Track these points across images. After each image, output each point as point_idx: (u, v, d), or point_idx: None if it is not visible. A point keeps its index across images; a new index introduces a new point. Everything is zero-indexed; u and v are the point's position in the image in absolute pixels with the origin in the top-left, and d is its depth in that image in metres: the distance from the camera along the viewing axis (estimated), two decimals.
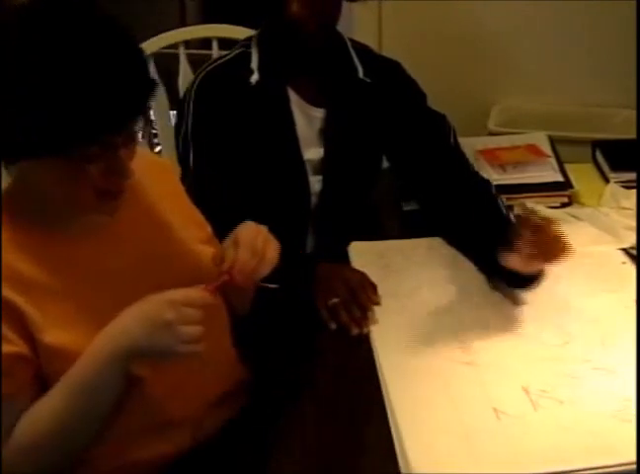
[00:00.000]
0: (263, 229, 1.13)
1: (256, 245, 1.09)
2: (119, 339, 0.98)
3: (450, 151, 1.60)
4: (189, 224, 1.21)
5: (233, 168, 1.50)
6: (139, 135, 0.99)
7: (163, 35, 2.00)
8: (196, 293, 1.00)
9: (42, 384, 1.00)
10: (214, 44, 2.02)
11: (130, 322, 0.98)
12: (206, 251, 1.19)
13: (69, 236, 1.05)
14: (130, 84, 0.93)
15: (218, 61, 1.54)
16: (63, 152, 0.91)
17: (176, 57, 2.01)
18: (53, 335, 0.99)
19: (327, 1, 1.40)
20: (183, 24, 3.03)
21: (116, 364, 0.98)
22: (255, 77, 1.49)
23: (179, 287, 1.08)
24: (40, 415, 0.98)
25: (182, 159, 1.53)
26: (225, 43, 2.04)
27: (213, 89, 1.50)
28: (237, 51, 1.55)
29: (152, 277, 1.09)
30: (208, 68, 1.53)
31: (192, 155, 1.50)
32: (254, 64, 1.50)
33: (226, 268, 1.07)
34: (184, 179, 1.53)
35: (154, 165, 1.22)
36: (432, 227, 1.56)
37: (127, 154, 0.99)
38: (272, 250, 1.11)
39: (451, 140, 1.60)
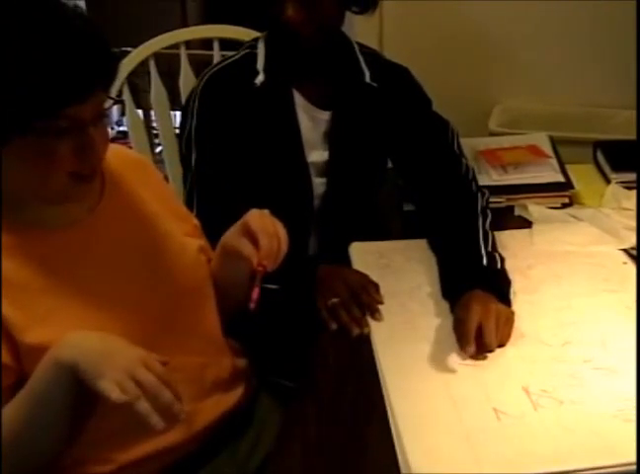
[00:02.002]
0: (264, 211, 1.15)
1: (269, 227, 1.11)
2: (67, 350, 0.94)
3: (450, 159, 1.61)
4: (172, 216, 1.21)
5: (236, 169, 1.50)
6: (111, 119, 0.99)
7: (164, 35, 1.99)
8: (159, 367, 0.93)
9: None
10: (215, 45, 2.02)
11: (89, 342, 0.95)
12: (191, 243, 1.20)
13: (46, 230, 1.04)
14: (84, 50, 0.91)
15: (224, 62, 1.54)
16: (27, 128, 0.90)
17: (177, 58, 2.01)
18: (34, 334, 0.97)
19: (323, 5, 1.39)
20: (184, 24, 3.03)
21: (61, 375, 0.92)
22: (260, 78, 1.49)
23: (163, 279, 1.11)
24: (1, 423, 0.95)
25: (184, 159, 1.54)
26: (226, 44, 2.03)
27: (218, 90, 1.50)
28: (243, 53, 1.55)
29: (135, 270, 1.10)
30: (214, 69, 1.53)
31: (194, 155, 1.50)
32: (259, 65, 1.50)
33: (257, 262, 1.09)
34: (185, 179, 1.53)
35: (133, 160, 1.22)
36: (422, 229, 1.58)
37: (97, 132, 0.97)
38: (281, 227, 1.14)
39: (454, 148, 1.61)
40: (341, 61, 1.53)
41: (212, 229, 1.26)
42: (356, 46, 1.56)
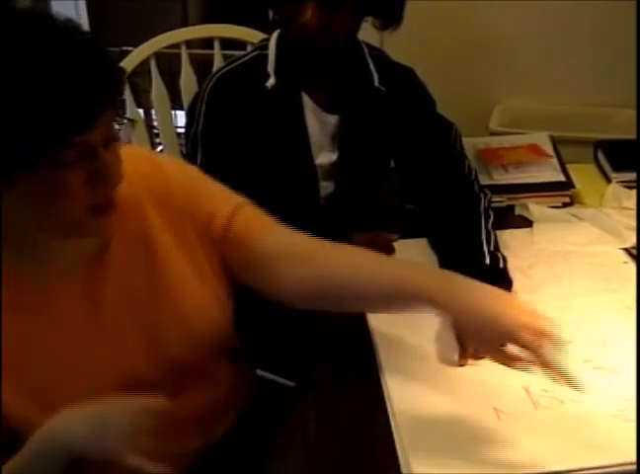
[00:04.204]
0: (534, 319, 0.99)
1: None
2: (59, 440, 0.91)
3: (452, 160, 1.61)
4: (189, 245, 1.11)
5: (242, 170, 1.50)
6: (121, 135, 0.93)
7: (165, 34, 2.00)
8: (156, 402, 0.93)
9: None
10: (216, 44, 2.02)
11: (78, 425, 0.91)
12: (206, 292, 1.11)
13: (46, 282, 0.98)
14: (89, 72, 0.85)
15: (234, 63, 1.54)
16: (33, 163, 0.84)
17: (178, 57, 2.01)
18: (19, 405, 0.94)
19: (340, 15, 1.38)
20: (185, 24, 3.03)
21: (53, 463, 0.91)
22: (271, 81, 1.48)
23: (167, 340, 1.05)
24: None
25: (188, 158, 1.54)
26: (227, 43, 2.04)
27: (227, 91, 1.50)
28: (253, 54, 1.54)
29: (137, 327, 1.04)
30: (223, 70, 1.53)
31: (200, 155, 1.50)
32: (270, 67, 1.50)
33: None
34: None
35: (146, 173, 1.10)
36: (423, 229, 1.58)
37: (110, 156, 0.91)
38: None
39: (457, 148, 1.62)
40: (350, 65, 1.53)
41: None
42: (365, 49, 1.56)
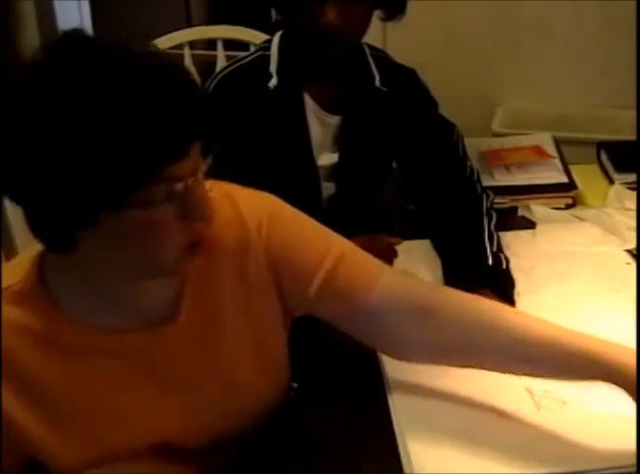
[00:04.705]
0: None
1: None
2: None
3: (454, 161, 1.61)
4: (256, 314, 1.03)
5: (244, 170, 1.50)
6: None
7: (168, 35, 2.00)
8: None
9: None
10: (219, 45, 2.03)
11: None
12: (254, 378, 1.04)
13: (112, 327, 0.93)
14: (180, 102, 0.81)
15: (236, 64, 1.54)
16: (123, 201, 0.79)
17: (181, 58, 2.02)
18: (56, 444, 0.92)
19: (361, 14, 1.39)
20: (188, 24, 3.04)
21: None
22: (274, 81, 1.48)
23: (209, 413, 0.99)
24: None
25: None
26: (230, 44, 2.04)
27: (229, 91, 1.50)
28: (256, 55, 1.54)
29: (184, 392, 0.99)
30: (226, 71, 1.53)
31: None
32: (272, 68, 1.50)
33: None
34: None
35: (223, 204, 1.00)
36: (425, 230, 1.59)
37: (200, 189, 0.86)
38: None
39: (459, 150, 1.62)
40: (352, 65, 1.53)
41: None
42: (367, 50, 1.56)
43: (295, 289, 1.04)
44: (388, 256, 1.43)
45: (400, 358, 1.10)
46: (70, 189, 0.78)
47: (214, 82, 1.51)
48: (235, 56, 1.59)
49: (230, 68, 1.53)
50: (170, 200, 0.82)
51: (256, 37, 1.96)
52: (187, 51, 2.01)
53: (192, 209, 0.85)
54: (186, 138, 0.82)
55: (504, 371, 1.05)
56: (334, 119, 1.54)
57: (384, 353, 1.12)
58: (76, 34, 0.82)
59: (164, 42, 1.99)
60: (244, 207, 1.03)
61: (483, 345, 1.02)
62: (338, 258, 1.04)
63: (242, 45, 2.01)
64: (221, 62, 1.99)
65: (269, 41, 1.55)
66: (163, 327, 0.96)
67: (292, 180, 1.53)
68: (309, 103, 1.52)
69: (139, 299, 0.95)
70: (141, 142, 0.77)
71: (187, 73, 0.85)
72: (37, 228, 0.85)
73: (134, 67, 0.80)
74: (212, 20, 3.05)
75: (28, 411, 0.90)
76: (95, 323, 0.93)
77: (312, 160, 1.54)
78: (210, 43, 2.09)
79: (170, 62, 0.84)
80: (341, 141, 1.55)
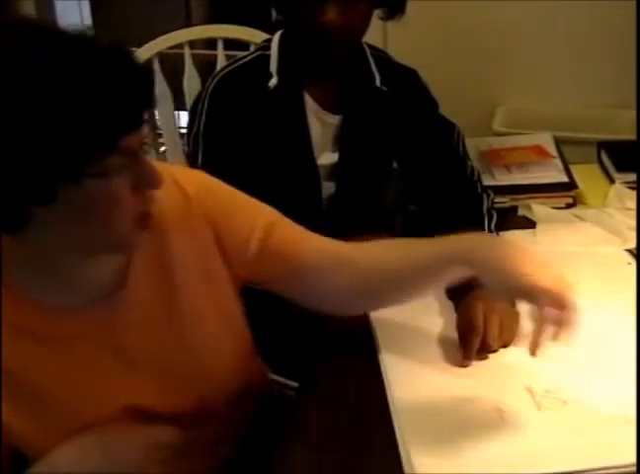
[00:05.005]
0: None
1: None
2: (66, 470, 0.90)
3: (455, 161, 1.61)
4: (209, 282, 1.07)
5: (243, 170, 1.50)
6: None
7: (168, 35, 2.00)
8: (168, 433, 0.93)
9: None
10: (219, 45, 2.03)
11: (89, 457, 0.91)
12: (219, 342, 1.08)
13: (67, 307, 0.95)
14: (132, 76, 0.85)
15: (236, 63, 1.54)
16: (85, 170, 0.82)
17: (181, 57, 2.02)
18: (28, 427, 0.93)
19: (361, 14, 1.39)
20: (188, 24, 3.03)
21: None
22: (274, 81, 1.48)
23: (179, 379, 1.02)
24: None
25: (190, 157, 1.54)
26: (230, 44, 2.04)
27: (229, 90, 1.50)
28: (255, 54, 1.54)
29: (152, 360, 1.01)
30: (226, 70, 1.53)
31: (201, 154, 1.50)
32: (273, 68, 1.50)
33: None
34: None
35: (179, 194, 1.05)
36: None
37: (148, 163, 0.89)
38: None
39: (460, 150, 1.62)
40: (353, 65, 1.53)
41: None
42: (367, 50, 1.56)
43: (236, 252, 1.09)
44: None
45: (335, 311, 1.17)
46: (29, 162, 0.78)
47: (214, 82, 1.51)
48: (235, 56, 1.59)
49: (230, 68, 1.53)
50: (126, 170, 0.85)
51: (256, 36, 1.96)
52: (187, 51, 2.01)
53: (146, 178, 0.88)
54: (139, 109, 0.85)
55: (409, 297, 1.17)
56: (334, 119, 1.54)
57: (321, 309, 1.16)
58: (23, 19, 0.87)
59: (164, 42, 1.99)
60: (181, 181, 1.06)
61: (392, 279, 1.13)
62: (270, 222, 1.12)
63: (242, 45, 2.01)
64: (221, 62, 1.99)
65: (268, 41, 1.55)
66: (114, 296, 0.98)
67: (292, 179, 1.54)
68: (309, 102, 1.52)
69: (90, 275, 0.96)
70: (98, 114, 0.79)
71: (130, 51, 0.88)
72: None
73: (84, 44, 0.83)
74: (212, 19, 3.05)
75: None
76: (47, 303, 0.94)
77: (312, 160, 1.54)
78: (210, 43, 2.09)
79: (114, 41, 0.87)
80: (341, 141, 1.55)
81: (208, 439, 1.07)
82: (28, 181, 0.80)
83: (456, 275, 1.09)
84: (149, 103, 0.88)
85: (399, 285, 1.15)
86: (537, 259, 1.04)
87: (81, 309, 0.96)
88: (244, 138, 1.49)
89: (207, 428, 1.08)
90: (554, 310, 1.00)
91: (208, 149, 1.49)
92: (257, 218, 1.11)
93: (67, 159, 0.80)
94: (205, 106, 1.50)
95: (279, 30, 1.54)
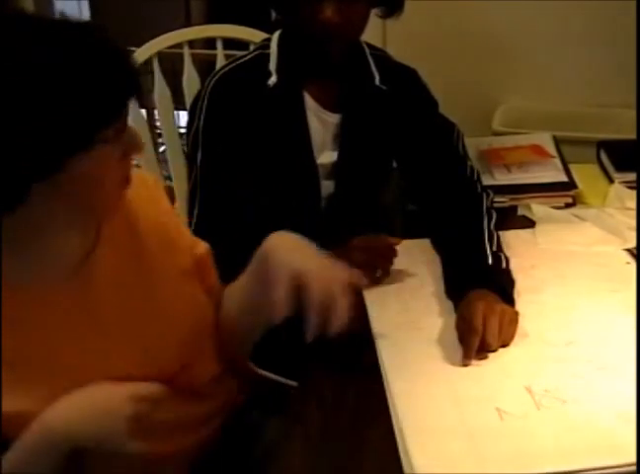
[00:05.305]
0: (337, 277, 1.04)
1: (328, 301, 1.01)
2: (58, 430, 0.91)
3: (454, 161, 1.61)
4: (171, 253, 1.12)
5: (243, 168, 1.50)
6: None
7: (168, 34, 1.99)
8: (154, 388, 0.95)
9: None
10: (219, 44, 2.02)
11: (76, 413, 0.92)
12: (188, 290, 1.14)
13: (36, 283, 0.97)
14: (125, 60, 0.92)
15: (235, 62, 1.54)
16: (88, 141, 0.87)
17: (180, 57, 2.01)
18: (9, 403, 0.93)
19: (359, 12, 1.40)
20: (187, 23, 3.03)
21: (51, 456, 0.91)
22: (273, 79, 1.48)
23: (157, 333, 1.05)
24: None
25: (189, 156, 1.54)
26: (230, 43, 2.04)
27: (229, 89, 1.50)
28: (255, 53, 1.54)
29: (126, 324, 1.04)
30: (225, 69, 1.53)
31: (200, 153, 1.50)
32: (272, 66, 1.50)
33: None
34: (189, 176, 1.54)
35: (139, 181, 1.10)
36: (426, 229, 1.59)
37: (131, 127, 0.96)
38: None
39: (459, 149, 1.62)
40: (352, 64, 1.53)
41: (217, 225, 1.25)
42: (366, 49, 1.56)
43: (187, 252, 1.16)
44: (388, 256, 1.43)
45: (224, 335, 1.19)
46: (43, 133, 0.83)
47: (213, 80, 1.51)
48: (235, 55, 1.59)
49: (229, 66, 1.53)
50: (121, 137, 0.92)
51: (255, 36, 1.96)
52: (186, 50, 2.00)
53: (132, 144, 0.95)
54: (131, 88, 0.92)
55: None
56: (334, 118, 1.54)
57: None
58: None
59: (164, 42, 1.99)
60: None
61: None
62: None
63: (241, 45, 2.01)
64: (221, 61, 1.98)
65: (267, 40, 1.55)
66: (85, 265, 1.01)
67: (292, 178, 1.54)
68: (309, 101, 1.52)
69: (66, 247, 0.99)
70: (110, 82, 0.87)
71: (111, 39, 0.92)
72: None
73: (67, 35, 0.88)
74: (212, 19, 3.05)
75: None
76: (17, 279, 0.95)
77: (312, 158, 1.54)
78: (210, 42, 2.08)
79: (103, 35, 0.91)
80: (340, 140, 1.55)
81: (189, 412, 1.07)
82: (40, 152, 0.84)
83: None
84: (137, 86, 0.94)
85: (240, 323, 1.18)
86: (323, 260, 1.07)
87: (52, 282, 0.98)
88: (243, 136, 1.49)
89: (187, 400, 1.08)
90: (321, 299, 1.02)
91: (207, 147, 1.49)
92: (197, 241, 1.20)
93: (83, 126, 0.86)
94: (205, 104, 1.49)
95: (278, 29, 1.54)
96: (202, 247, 1.19)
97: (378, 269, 1.42)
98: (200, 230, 1.42)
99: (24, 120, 0.83)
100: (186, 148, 1.61)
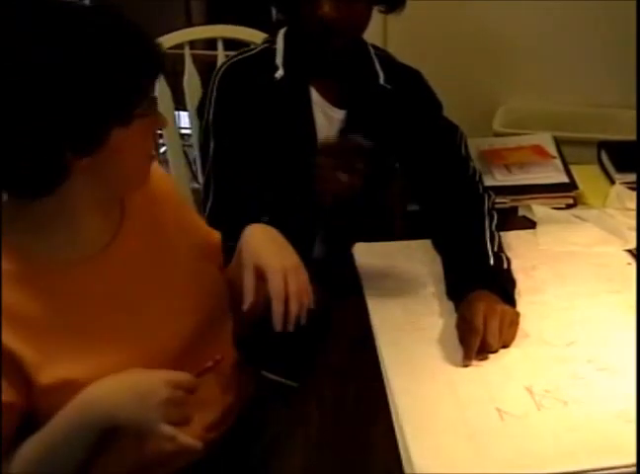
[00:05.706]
0: (291, 271, 1.10)
1: (283, 292, 1.08)
2: (98, 407, 0.95)
3: (457, 162, 1.61)
4: (189, 240, 1.18)
5: (248, 162, 1.50)
6: None
7: (168, 35, 1.99)
8: (185, 377, 0.99)
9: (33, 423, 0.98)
10: (219, 45, 2.02)
11: (118, 392, 0.96)
12: (207, 269, 1.19)
13: (62, 263, 1.01)
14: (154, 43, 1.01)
15: (243, 55, 1.55)
16: (131, 114, 0.94)
17: (181, 57, 2.01)
18: (50, 373, 0.96)
19: (360, 8, 1.40)
20: (188, 24, 3.03)
21: (89, 432, 0.95)
22: (280, 73, 1.49)
23: (179, 310, 1.10)
24: (16, 463, 0.96)
25: (202, 148, 1.55)
26: (230, 44, 2.04)
27: (237, 78, 1.51)
28: (261, 47, 1.56)
29: (150, 303, 1.09)
30: (233, 59, 1.54)
31: (212, 144, 1.51)
32: (279, 60, 1.50)
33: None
34: (203, 168, 1.55)
35: (157, 175, 1.18)
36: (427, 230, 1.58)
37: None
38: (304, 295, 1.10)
39: (462, 151, 1.62)
40: (356, 62, 1.53)
41: (228, 218, 1.26)
42: (370, 48, 1.57)
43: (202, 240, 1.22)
44: (359, 154, 1.42)
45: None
46: (91, 108, 0.90)
47: (221, 70, 1.52)
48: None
49: (236, 58, 1.54)
50: (147, 118, 0.98)
51: (256, 36, 1.96)
52: (187, 51, 2.00)
53: (158, 119, 1.02)
54: (159, 67, 1.00)
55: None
56: (339, 114, 1.55)
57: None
58: None
59: (164, 42, 1.97)
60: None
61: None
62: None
63: (242, 45, 2.00)
64: (221, 62, 1.98)
65: (274, 36, 1.55)
66: (109, 247, 1.06)
67: (296, 172, 1.53)
68: (315, 96, 1.52)
69: (95, 226, 1.05)
70: (145, 59, 0.97)
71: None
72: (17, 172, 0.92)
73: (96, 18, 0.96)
74: (212, 19, 3.05)
75: (22, 344, 0.95)
76: (48, 258, 1.00)
77: (316, 152, 1.53)
78: (210, 43, 2.08)
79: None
80: (345, 135, 1.55)
81: (216, 400, 1.14)
82: (87, 127, 0.91)
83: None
84: (162, 51, 1.03)
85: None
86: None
87: (78, 262, 1.03)
88: (251, 126, 1.50)
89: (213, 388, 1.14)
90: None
91: (219, 137, 1.50)
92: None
93: (123, 100, 0.93)
94: (214, 93, 1.51)
95: (278, 29, 1.55)
96: (216, 236, 1.26)
97: (355, 172, 1.40)
98: (212, 222, 1.42)
99: (73, 97, 0.89)
100: (187, 149, 1.61)
